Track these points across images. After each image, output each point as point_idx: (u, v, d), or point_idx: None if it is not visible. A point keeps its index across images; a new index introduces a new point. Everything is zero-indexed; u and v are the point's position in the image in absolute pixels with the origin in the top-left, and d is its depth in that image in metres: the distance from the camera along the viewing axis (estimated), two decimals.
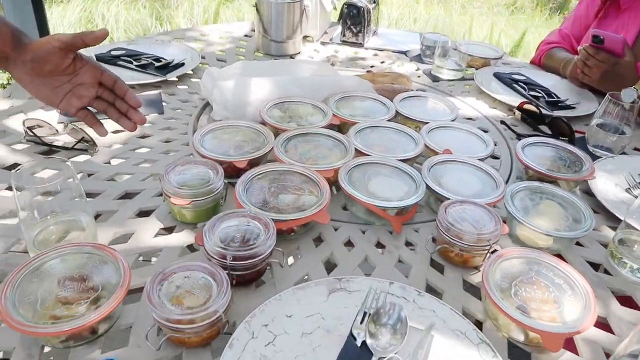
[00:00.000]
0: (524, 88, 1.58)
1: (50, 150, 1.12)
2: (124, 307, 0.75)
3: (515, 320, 0.72)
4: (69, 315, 0.67)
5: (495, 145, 1.30)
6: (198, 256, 0.85)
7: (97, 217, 0.95)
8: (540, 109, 1.38)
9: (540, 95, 1.54)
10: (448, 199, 0.95)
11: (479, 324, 0.78)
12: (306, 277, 0.85)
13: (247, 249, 0.76)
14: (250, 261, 0.77)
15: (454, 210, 0.90)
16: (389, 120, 1.21)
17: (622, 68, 1.42)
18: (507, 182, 1.16)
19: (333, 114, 1.21)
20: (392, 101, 1.30)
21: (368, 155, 1.06)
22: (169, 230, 0.92)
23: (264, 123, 1.16)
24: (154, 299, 0.67)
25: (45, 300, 0.69)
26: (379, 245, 0.94)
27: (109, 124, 0.92)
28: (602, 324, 0.81)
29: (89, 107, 0.90)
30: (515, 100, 1.51)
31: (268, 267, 0.84)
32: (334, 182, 1.00)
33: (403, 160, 1.05)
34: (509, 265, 0.82)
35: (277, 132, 1.14)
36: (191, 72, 1.54)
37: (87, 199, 0.97)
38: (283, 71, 1.39)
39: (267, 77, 1.29)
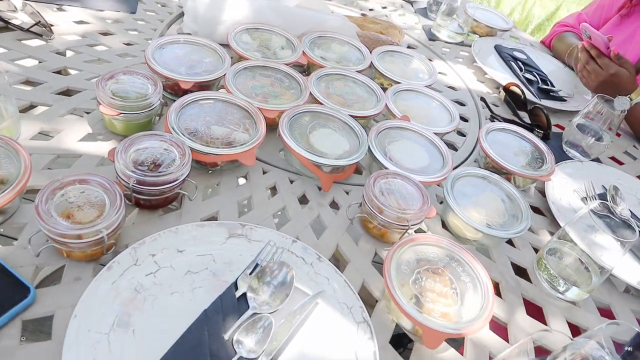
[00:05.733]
0: (520, 68, 1.49)
1: (5, 27, 1.07)
2: (23, 206, 0.74)
3: (399, 305, 0.69)
4: None
5: (467, 121, 1.25)
6: (110, 171, 0.82)
7: (30, 107, 0.92)
8: (526, 94, 1.31)
9: (534, 79, 1.45)
10: (386, 167, 0.92)
11: (375, 302, 0.77)
12: (216, 215, 0.82)
13: (154, 175, 0.74)
14: (156, 188, 0.75)
15: (384, 181, 0.87)
16: (359, 72, 1.15)
17: (620, 79, 1.33)
18: (462, 163, 1.11)
19: (302, 52, 1.14)
20: (371, 52, 1.23)
21: (321, 104, 1.01)
22: (95, 137, 0.89)
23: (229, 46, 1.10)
24: (40, 208, 0.65)
25: None
26: (303, 199, 0.91)
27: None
28: (504, 329, 0.79)
29: None
30: (505, 78, 1.44)
31: (183, 195, 0.82)
32: (277, 125, 0.97)
33: (356, 117, 1.00)
34: (420, 251, 0.78)
35: (239, 59, 1.08)
36: None
37: (27, 88, 0.94)
38: None
39: None
